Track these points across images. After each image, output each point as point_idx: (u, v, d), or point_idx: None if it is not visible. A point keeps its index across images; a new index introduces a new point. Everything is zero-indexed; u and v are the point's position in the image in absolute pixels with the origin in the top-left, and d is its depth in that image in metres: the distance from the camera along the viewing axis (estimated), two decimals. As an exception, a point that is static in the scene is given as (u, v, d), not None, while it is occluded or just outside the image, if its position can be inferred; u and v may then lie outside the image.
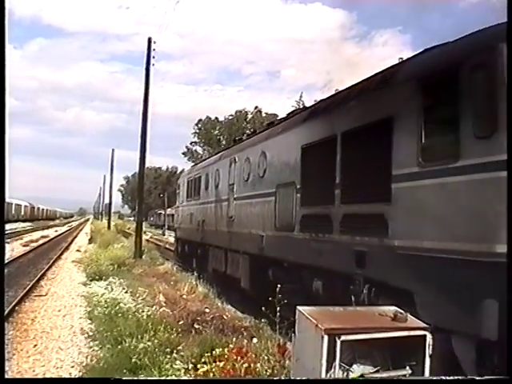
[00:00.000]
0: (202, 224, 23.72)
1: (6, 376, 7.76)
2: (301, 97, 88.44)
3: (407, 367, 4.91)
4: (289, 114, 16.90)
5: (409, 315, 5.09)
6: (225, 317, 12.95)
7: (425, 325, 4.99)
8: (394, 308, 5.28)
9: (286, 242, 13.66)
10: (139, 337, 10.06)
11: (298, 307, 5.15)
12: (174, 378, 7.88)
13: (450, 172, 7.64)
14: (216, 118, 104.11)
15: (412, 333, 4.89)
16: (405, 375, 4.87)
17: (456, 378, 4.52)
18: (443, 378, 4.46)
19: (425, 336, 4.89)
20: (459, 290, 7.28)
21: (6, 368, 8.85)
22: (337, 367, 4.61)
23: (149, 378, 7.58)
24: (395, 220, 8.89)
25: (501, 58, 6.99)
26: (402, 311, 5.16)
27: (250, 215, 16.92)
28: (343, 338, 4.54)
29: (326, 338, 4.54)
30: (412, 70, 9.29)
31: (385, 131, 9.22)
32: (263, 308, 8.40)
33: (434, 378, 4.57)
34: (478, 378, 4.45)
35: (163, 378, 7.85)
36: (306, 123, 13.46)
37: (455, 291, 7.36)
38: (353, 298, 9.87)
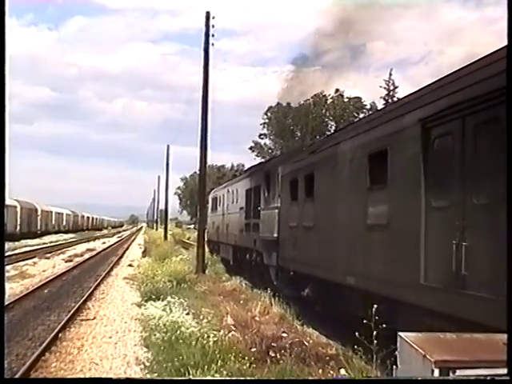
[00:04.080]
0: (217, 229, 42.76)
1: (6, 376, 7.90)
2: (390, 75, 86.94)
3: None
4: (244, 171, 38.60)
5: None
6: (306, 342, 12.86)
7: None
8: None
9: (240, 237, 31.63)
10: (205, 367, 10.05)
11: (400, 333, 4.98)
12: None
13: (267, 209, 24.94)
14: (288, 105, 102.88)
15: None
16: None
17: (456, 378, 4.57)
18: (443, 378, 4.59)
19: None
20: (270, 249, 23.89)
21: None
22: (451, 408, 4.43)
23: (150, 378, 7.79)
24: (260, 226, 25.65)
25: (277, 173, 23.61)
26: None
27: (232, 223, 35.06)
28: (459, 372, 4.35)
29: (436, 372, 4.36)
30: (262, 169, 28.37)
31: (259, 190, 27.28)
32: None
33: (434, 379, 4.58)
34: (477, 379, 4.42)
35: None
36: (246, 179, 31.85)
37: (269, 250, 23.96)
38: (250, 257, 28.48)
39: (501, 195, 7.20)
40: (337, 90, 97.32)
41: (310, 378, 6.20)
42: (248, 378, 6.53)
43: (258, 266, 26.77)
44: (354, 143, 14.91)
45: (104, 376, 11.49)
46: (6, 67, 5.91)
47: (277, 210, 22.95)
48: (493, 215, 8.45)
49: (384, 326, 9.64)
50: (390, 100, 79.24)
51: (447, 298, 9.62)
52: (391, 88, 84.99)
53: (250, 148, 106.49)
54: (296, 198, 20.19)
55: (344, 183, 15.29)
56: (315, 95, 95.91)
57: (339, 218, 15.56)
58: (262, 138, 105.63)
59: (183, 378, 7.72)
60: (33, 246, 55.96)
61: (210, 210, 47.49)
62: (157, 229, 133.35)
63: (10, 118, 6.24)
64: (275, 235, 22.74)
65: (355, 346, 9.30)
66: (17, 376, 10.75)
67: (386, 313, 10.50)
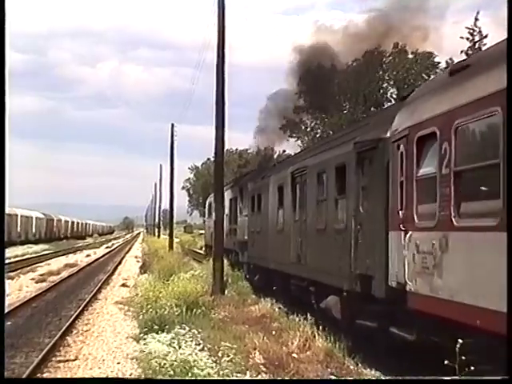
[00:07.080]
0: (211, 234, 53.20)
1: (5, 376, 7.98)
2: (476, 19, 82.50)
3: None
4: (230, 182, 56.11)
5: None
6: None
7: None
8: None
9: (226, 240, 38.89)
10: (226, 423, 10.03)
11: None
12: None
13: (241, 216, 45.41)
14: (333, 66, 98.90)
15: None
16: None
17: (457, 378, 5.78)
18: (443, 378, 5.90)
19: None
20: (243, 249, 42.87)
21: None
22: None
23: (149, 378, 10.45)
24: (237, 230, 46.21)
25: (247, 189, 42.73)
26: None
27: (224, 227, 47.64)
28: None
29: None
30: (238, 183, 50.52)
31: (237, 200, 48.18)
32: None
33: (434, 379, 5.97)
34: (477, 378, 5.53)
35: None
36: (230, 188, 50.65)
37: (242, 250, 42.89)
38: (232, 256, 46.87)
39: (305, 218, 25.48)
40: (396, 45, 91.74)
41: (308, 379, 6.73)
42: (248, 378, 6.87)
43: (237, 264, 43.98)
44: (274, 178, 32.18)
45: None
46: (5, 66, 6.31)
47: (247, 218, 40.47)
48: (305, 227, 24.88)
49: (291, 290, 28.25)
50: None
51: (297, 267, 25.88)
52: (477, 38, 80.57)
53: (282, 126, 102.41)
54: (254, 210, 38.06)
55: (270, 203, 32.42)
56: (368, 52, 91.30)
57: (269, 226, 32.33)
58: (298, 113, 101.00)
59: (183, 378, 8.01)
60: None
61: (206, 216, 70.09)
62: (159, 235, 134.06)
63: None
64: (246, 237, 40.18)
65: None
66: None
67: (285, 281, 28.77)
